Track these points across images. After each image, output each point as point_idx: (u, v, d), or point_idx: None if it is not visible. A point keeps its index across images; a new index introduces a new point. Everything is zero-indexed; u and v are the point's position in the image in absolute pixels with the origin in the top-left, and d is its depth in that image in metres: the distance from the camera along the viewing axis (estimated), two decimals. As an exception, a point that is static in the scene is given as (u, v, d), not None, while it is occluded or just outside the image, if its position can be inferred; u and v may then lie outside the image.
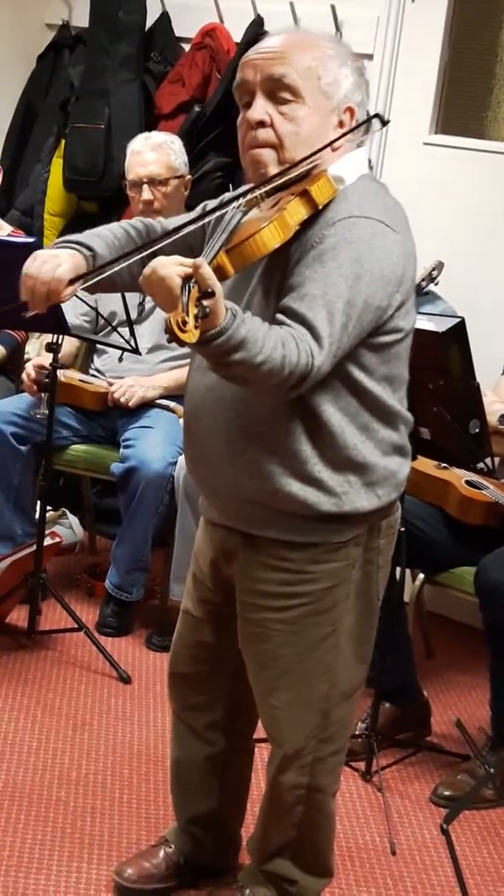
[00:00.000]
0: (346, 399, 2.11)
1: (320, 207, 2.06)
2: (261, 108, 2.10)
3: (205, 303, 1.82)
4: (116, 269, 2.12)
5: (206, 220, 2.19)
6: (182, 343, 1.81)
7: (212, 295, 1.83)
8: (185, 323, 1.79)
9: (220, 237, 1.96)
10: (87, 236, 2.24)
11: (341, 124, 2.14)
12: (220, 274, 1.90)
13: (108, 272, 2.13)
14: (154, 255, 2.02)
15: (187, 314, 1.80)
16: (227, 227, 1.98)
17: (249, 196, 2.10)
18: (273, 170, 2.10)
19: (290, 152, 2.10)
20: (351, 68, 2.15)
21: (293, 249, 2.06)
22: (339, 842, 2.63)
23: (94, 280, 2.14)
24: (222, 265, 1.92)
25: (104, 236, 2.27)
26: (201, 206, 2.37)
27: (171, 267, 1.84)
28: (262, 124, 2.10)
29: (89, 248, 2.19)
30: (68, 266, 2.12)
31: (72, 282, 2.11)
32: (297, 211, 2.03)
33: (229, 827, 2.61)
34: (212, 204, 2.34)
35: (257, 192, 2.09)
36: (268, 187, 2.08)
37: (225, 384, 2.10)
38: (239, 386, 2.05)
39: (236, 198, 2.15)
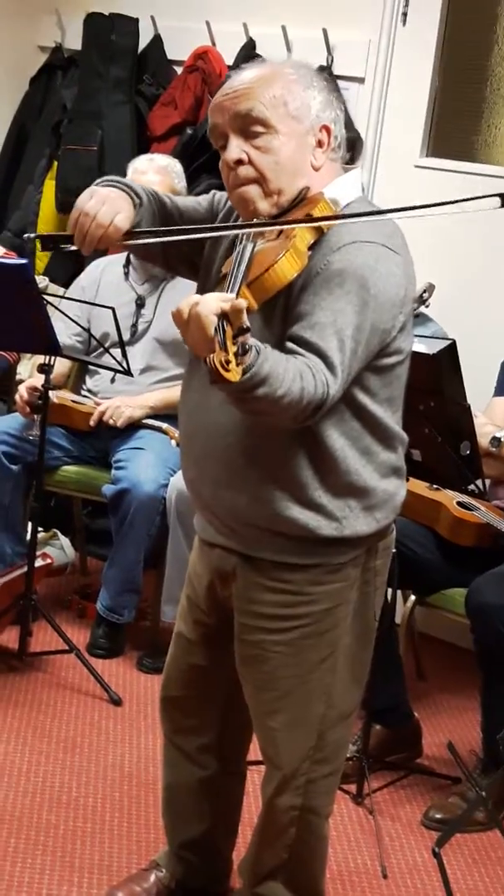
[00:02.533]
0: (349, 423, 2.12)
1: (325, 231, 2.07)
2: (236, 147, 2.12)
3: (240, 340, 1.82)
4: (167, 239, 2.12)
5: (223, 233, 2.19)
6: (225, 383, 1.79)
7: (247, 331, 1.82)
8: (228, 363, 1.78)
9: (238, 270, 1.96)
10: (130, 182, 2.19)
11: (320, 144, 2.16)
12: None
13: (162, 240, 2.13)
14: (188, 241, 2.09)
15: (227, 353, 1.79)
16: (242, 259, 1.98)
17: (254, 230, 2.09)
18: (261, 204, 2.11)
19: (273, 183, 2.11)
20: (317, 88, 2.16)
21: (297, 277, 2.06)
22: (330, 865, 2.63)
23: (147, 242, 2.13)
24: (246, 300, 1.91)
25: (139, 189, 2.21)
26: (211, 193, 2.36)
27: (212, 306, 1.83)
28: (240, 163, 2.11)
29: (137, 196, 2.17)
30: (126, 214, 2.10)
31: (127, 234, 2.09)
32: (304, 236, 2.03)
33: (221, 851, 2.60)
34: (220, 194, 2.32)
35: (263, 229, 2.09)
36: (273, 224, 2.09)
37: (226, 407, 2.10)
38: (255, 417, 2.05)
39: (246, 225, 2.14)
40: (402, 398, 2.23)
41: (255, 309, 1.96)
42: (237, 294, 1.90)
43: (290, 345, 2.01)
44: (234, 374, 1.80)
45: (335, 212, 2.10)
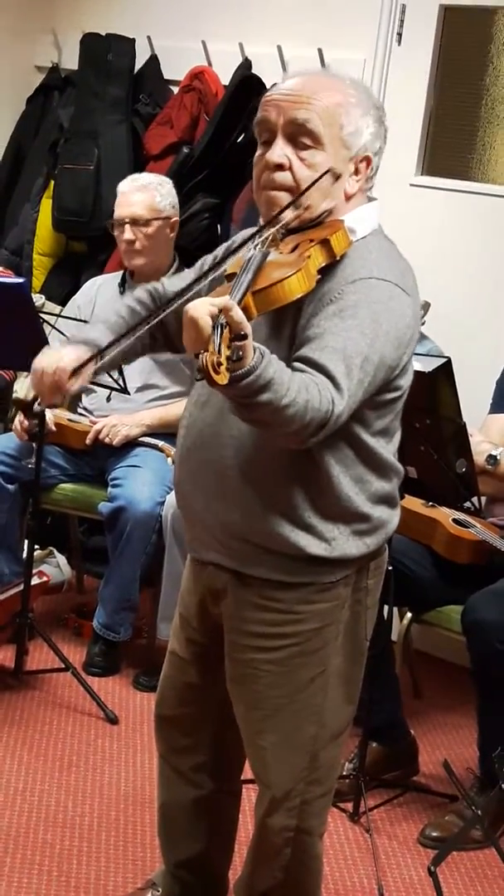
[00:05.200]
0: (343, 451, 2.12)
1: (338, 258, 2.08)
2: (280, 151, 2.11)
3: (237, 344, 1.83)
4: (118, 350, 2.19)
5: (208, 279, 2.19)
6: (213, 384, 1.81)
7: (244, 337, 1.83)
8: (219, 364, 1.79)
9: (245, 276, 1.96)
10: (89, 326, 2.30)
11: (357, 172, 2.16)
12: (245, 315, 1.89)
13: (109, 355, 2.20)
14: (160, 321, 2.13)
15: (220, 356, 1.80)
16: (251, 266, 1.99)
17: (266, 234, 2.09)
18: (288, 213, 2.10)
19: (305, 197, 2.11)
20: (373, 117, 2.16)
21: (307, 303, 2.07)
22: (326, 883, 2.62)
23: (98, 364, 2.21)
24: (248, 307, 1.92)
25: (108, 321, 2.31)
26: (200, 262, 2.39)
27: (202, 309, 1.84)
28: (280, 167, 2.11)
29: (89, 339, 2.25)
30: (71, 356, 2.19)
31: (76, 371, 2.17)
32: (317, 259, 2.04)
33: (216, 870, 2.59)
34: (209, 259, 2.35)
35: (272, 230, 2.08)
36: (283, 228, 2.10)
37: (224, 421, 2.11)
38: (259, 430, 2.05)
39: (233, 252, 2.14)
40: (397, 429, 2.23)
41: (255, 317, 1.96)
42: (241, 300, 1.90)
43: (296, 364, 2.00)
44: (223, 378, 1.81)
45: (351, 241, 2.10)
